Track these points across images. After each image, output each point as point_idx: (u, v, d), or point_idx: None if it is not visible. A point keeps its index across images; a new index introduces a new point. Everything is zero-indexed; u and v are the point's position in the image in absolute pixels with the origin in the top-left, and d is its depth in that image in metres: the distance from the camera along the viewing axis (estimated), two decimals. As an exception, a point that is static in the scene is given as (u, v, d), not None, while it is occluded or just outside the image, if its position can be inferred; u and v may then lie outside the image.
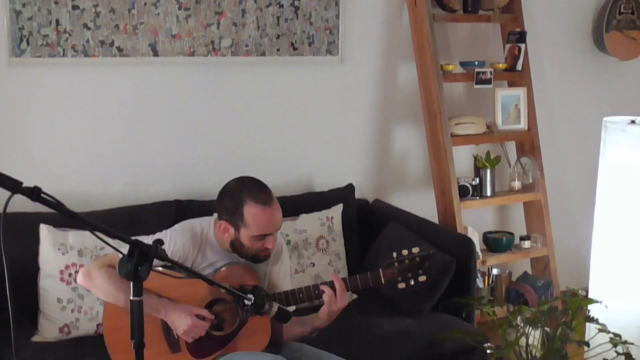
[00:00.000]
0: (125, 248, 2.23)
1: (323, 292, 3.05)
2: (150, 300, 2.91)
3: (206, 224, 3.16)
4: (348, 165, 4.63)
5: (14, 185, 1.90)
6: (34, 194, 1.92)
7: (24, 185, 1.92)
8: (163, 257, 2.25)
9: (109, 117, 4.03)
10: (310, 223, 4.05)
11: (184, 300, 2.98)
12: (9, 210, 3.37)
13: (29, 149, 3.90)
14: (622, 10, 5.20)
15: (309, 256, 3.99)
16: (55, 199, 1.98)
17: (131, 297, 2.19)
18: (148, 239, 3.03)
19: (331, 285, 3.06)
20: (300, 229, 4.00)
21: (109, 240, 2.26)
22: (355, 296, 4.02)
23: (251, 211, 2.98)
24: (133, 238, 2.21)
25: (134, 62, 4.00)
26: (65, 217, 2.09)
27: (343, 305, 3.08)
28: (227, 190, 3.07)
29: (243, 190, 3.03)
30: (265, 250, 3.08)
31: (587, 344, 3.32)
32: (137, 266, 2.16)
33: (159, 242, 2.26)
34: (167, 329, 2.99)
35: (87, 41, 3.86)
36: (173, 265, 2.76)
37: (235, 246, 3.06)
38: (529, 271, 4.92)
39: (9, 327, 3.33)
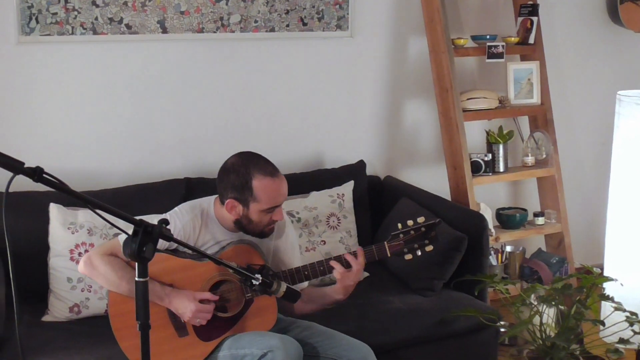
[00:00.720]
0: (130, 229, 2.21)
1: (332, 268, 3.03)
2: (153, 288, 2.89)
3: (206, 204, 3.13)
4: (359, 141, 4.59)
5: (15, 166, 1.87)
6: (36, 174, 1.90)
7: (26, 165, 1.89)
8: (168, 236, 2.23)
9: (118, 94, 4.02)
10: (320, 200, 4.01)
11: (189, 283, 2.97)
12: (19, 189, 3.38)
13: (38, 127, 3.89)
14: (637, -19, 5.13)
15: (319, 234, 3.97)
16: (57, 179, 1.96)
17: (136, 278, 2.18)
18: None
19: (339, 259, 3.05)
20: (311, 207, 3.98)
21: (114, 219, 2.23)
22: (366, 274, 4.00)
23: (261, 184, 2.95)
24: (137, 218, 2.19)
25: (143, 39, 3.97)
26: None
27: (357, 279, 3.06)
28: (230, 167, 3.02)
29: (249, 165, 2.99)
30: (272, 223, 3.06)
31: (603, 323, 3.28)
32: (141, 246, 2.14)
33: (164, 221, 2.24)
34: (173, 313, 2.97)
35: (96, 19, 3.84)
36: (179, 247, 2.75)
37: (242, 223, 3.03)
38: (543, 248, 4.89)
39: (18, 307, 3.39)
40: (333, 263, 3.04)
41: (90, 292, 3.51)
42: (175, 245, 2.83)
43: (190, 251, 2.88)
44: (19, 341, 2.42)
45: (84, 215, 3.56)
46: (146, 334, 2.20)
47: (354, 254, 3.06)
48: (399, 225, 3.11)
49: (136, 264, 2.17)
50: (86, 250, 3.50)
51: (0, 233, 3.51)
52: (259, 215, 2.99)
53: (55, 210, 3.56)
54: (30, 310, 3.48)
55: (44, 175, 1.92)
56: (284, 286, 2.74)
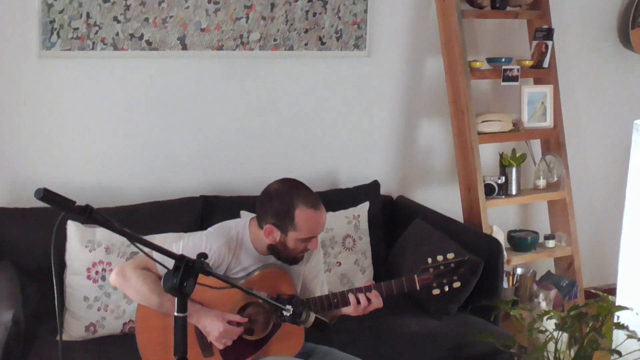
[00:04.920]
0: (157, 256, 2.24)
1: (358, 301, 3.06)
2: None
3: (241, 227, 3.12)
4: (373, 161, 4.60)
5: (66, 205, 1.87)
6: (86, 212, 1.89)
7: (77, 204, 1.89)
8: (208, 272, 2.23)
9: (137, 110, 4.01)
10: (337, 221, 4.00)
11: (218, 304, 2.97)
12: (37, 205, 3.36)
13: (57, 141, 3.88)
14: (647, 6, 5.14)
15: (335, 255, 3.96)
16: (106, 217, 1.95)
17: (175, 313, 2.19)
18: (180, 244, 3.01)
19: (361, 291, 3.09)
20: (327, 227, 3.93)
21: (157, 256, 2.24)
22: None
23: (303, 215, 2.96)
24: (179, 253, 2.20)
25: (163, 55, 3.96)
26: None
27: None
28: (274, 193, 3.02)
29: (293, 194, 2.99)
30: (305, 251, 3.09)
31: (619, 353, 3.29)
32: (182, 281, 2.14)
33: (203, 255, 2.25)
34: (200, 333, 2.97)
35: (117, 34, 3.83)
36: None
37: (278, 249, 3.03)
38: (552, 270, 4.90)
39: (34, 324, 3.38)
40: (360, 296, 3.06)
41: (106, 311, 3.50)
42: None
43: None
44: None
45: (102, 233, 3.54)
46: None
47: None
48: (429, 260, 3.15)
49: (176, 298, 2.17)
50: (103, 269, 3.50)
51: (19, 253, 3.56)
52: (295, 243, 3.00)
53: (73, 228, 3.54)
54: (46, 329, 3.44)
55: (94, 213, 1.91)
56: (312, 316, 2.74)
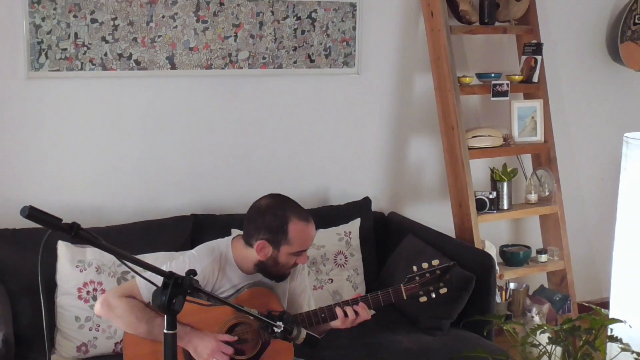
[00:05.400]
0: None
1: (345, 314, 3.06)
2: None
3: (224, 246, 3.11)
4: (364, 177, 4.59)
5: (52, 223, 1.86)
6: (73, 229, 1.89)
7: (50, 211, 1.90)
8: (197, 288, 2.22)
9: (126, 130, 4.01)
10: (328, 238, 4.00)
11: (206, 325, 2.95)
12: (27, 225, 3.35)
13: (46, 162, 3.88)
14: (636, 20, 5.15)
15: (327, 272, 3.96)
16: (92, 234, 1.95)
17: (165, 330, 2.17)
18: (167, 265, 2.99)
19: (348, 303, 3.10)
20: (319, 245, 3.96)
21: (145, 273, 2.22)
22: (372, 311, 3.99)
23: (296, 228, 2.96)
24: (167, 270, 2.19)
25: (152, 75, 3.97)
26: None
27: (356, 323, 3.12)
28: (266, 208, 3.01)
29: (285, 208, 3.00)
30: (294, 266, 3.08)
31: (614, 368, 3.28)
32: (171, 298, 2.13)
33: (192, 272, 2.23)
34: (189, 358, 2.94)
35: (105, 54, 3.84)
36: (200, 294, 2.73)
37: (267, 265, 3.02)
38: (545, 284, 4.89)
39: (25, 345, 3.36)
40: (347, 309, 3.06)
41: (98, 331, 3.48)
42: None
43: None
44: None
45: (92, 253, 3.53)
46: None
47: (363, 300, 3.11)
48: (414, 268, 3.16)
49: (165, 315, 2.16)
50: (94, 289, 3.49)
51: (9, 273, 3.55)
52: (287, 258, 3.00)
53: (63, 248, 3.53)
54: (37, 350, 3.42)
55: (80, 231, 1.90)
56: (304, 332, 2.73)
